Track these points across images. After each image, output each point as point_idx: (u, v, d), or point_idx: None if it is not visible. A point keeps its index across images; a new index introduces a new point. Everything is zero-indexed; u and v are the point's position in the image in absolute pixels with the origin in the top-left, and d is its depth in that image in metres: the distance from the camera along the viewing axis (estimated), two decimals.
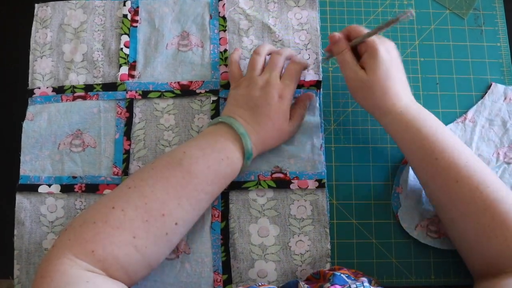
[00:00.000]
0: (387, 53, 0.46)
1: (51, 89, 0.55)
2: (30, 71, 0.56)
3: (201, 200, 0.44)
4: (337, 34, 0.48)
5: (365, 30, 0.47)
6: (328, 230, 0.50)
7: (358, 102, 0.49)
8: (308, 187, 0.51)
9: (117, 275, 0.39)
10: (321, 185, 0.51)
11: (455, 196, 0.43)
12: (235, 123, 0.46)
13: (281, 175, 0.52)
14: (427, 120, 0.45)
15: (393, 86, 0.46)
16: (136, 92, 0.55)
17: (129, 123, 0.54)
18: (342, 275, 0.41)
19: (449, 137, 0.45)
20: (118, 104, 0.54)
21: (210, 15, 0.58)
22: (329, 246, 0.50)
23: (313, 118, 0.54)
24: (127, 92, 0.55)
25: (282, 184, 0.51)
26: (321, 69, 0.56)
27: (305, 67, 0.52)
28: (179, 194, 0.42)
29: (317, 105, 0.54)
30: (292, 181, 0.51)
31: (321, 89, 0.55)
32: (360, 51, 0.48)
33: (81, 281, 0.36)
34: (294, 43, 0.57)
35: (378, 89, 0.45)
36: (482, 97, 0.56)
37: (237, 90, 0.50)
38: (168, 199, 0.41)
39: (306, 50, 0.56)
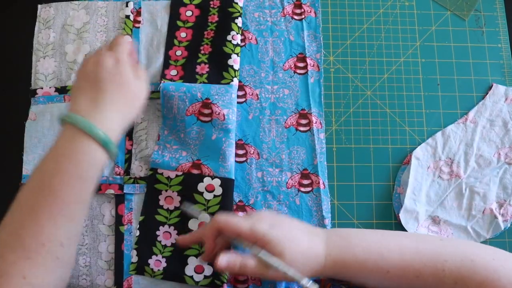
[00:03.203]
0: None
1: (53, 89, 0.55)
2: (32, 71, 0.56)
3: (77, 210, 0.40)
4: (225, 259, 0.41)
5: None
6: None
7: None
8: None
9: None
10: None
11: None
12: (72, 117, 0.40)
13: None
14: (352, 244, 0.42)
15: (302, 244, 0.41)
16: None
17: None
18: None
19: (379, 243, 0.41)
20: None
21: None
22: None
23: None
24: None
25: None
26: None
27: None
28: (51, 216, 0.38)
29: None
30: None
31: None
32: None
33: None
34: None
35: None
36: (483, 98, 0.56)
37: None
38: (42, 227, 0.37)
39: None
